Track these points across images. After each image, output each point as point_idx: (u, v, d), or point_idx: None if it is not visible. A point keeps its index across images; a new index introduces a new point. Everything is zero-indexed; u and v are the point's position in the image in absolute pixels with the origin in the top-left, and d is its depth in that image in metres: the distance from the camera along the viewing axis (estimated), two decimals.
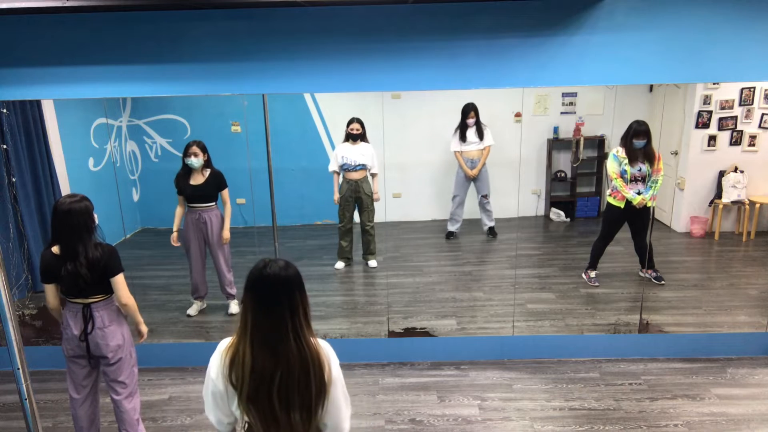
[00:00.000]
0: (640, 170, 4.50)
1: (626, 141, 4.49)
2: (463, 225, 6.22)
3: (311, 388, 1.61)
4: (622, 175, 4.51)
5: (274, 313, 1.57)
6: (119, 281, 2.68)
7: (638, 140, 4.41)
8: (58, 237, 2.61)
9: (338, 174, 5.19)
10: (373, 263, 5.37)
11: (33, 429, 2.29)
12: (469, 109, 5.75)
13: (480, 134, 5.81)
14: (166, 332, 4.20)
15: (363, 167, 5.12)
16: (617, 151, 4.53)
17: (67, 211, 2.57)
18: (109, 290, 2.72)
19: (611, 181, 4.59)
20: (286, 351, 1.58)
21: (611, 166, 4.57)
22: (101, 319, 2.70)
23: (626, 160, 4.48)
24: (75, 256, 2.58)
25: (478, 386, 3.53)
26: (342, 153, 5.13)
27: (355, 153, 5.09)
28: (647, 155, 4.47)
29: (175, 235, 4.28)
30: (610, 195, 4.67)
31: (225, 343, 1.68)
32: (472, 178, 5.89)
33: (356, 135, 5.07)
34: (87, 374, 2.81)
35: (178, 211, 4.30)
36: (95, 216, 2.70)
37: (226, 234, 4.29)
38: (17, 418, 3.34)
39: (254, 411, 1.62)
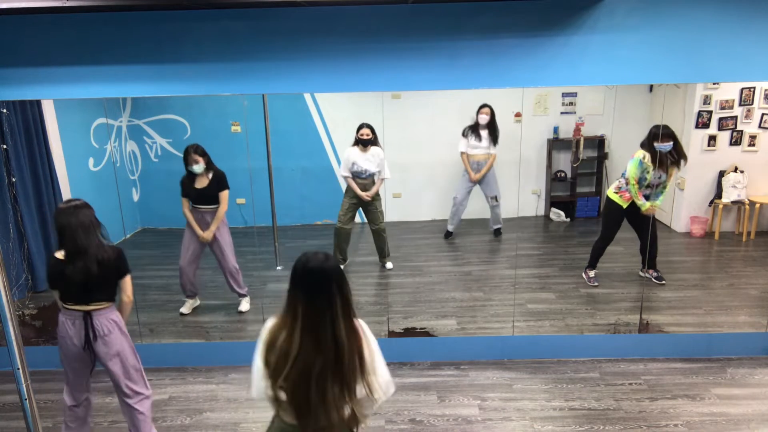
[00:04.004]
0: (660, 177, 4.45)
1: (651, 146, 4.37)
2: (464, 225, 6.22)
3: (357, 366, 1.72)
4: (640, 181, 4.48)
5: (322, 301, 1.68)
6: (129, 281, 2.76)
7: (662, 144, 4.31)
8: (65, 238, 2.58)
9: (351, 178, 5.10)
10: (389, 265, 5.34)
11: (33, 429, 2.29)
12: (484, 105, 5.68)
13: (494, 138, 5.74)
14: (166, 332, 4.20)
15: (373, 175, 5.08)
16: (644, 157, 4.41)
17: (74, 208, 2.58)
18: (112, 297, 2.72)
19: (626, 184, 4.52)
20: (336, 335, 1.68)
21: (632, 171, 4.45)
22: (101, 327, 2.69)
23: (651, 168, 4.39)
24: (84, 254, 2.57)
25: (478, 386, 3.53)
26: (353, 159, 5.05)
27: (365, 161, 5.02)
28: (677, 157, 4.40)
29: (201, 233, 4.26)
30: (616, 193, 4.61)
31: (269, 325, 1.79)
32: (476, 181, 5.86)
33: (366, 140, 5.00)
34: (84, 381, 2.82)
35: (189, 214, 4.27)
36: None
37: (208, 235, 4.24)
38: (17, 418, 3.34)
39: (292, 396, 1.70)
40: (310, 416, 1.70)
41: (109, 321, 2.71)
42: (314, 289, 1.68)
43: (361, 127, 5.03)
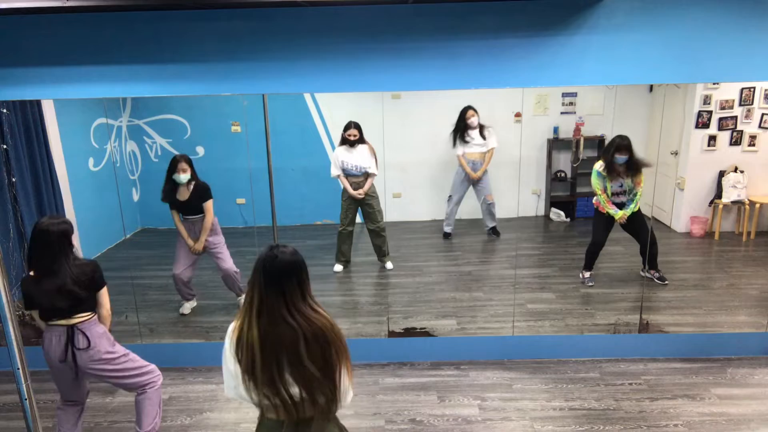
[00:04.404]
0: (621, 186, 4.52)
1: (608, 156, 4.46)
2: (463, 225, 6.21)
3: (326, 357, 1.70)
4: (605, 191, 4.54)
5: (282, 291, 1.70)
6: (105, 293, 2.75)
7: (620, 155, 4.39)
8: (34, 258, 2.59)
9: (343, 177, 5.12)
10: (389, 265, 5.33)
11: (33, 429, 2.29)
12: (468, 108, 5.71)
13: (483, 135, 5.76)
14: (166, 332, 4.20)
15: (366, 171, 5.08)
16: (600, 167, 4.52)
17: (45, 231, 2.57)
18: (93, 307, 2.72)
19: (596, 195, 4.62)
20: (297, 325, 1.68)
21: (594, 182, 4.58)
22: (86, 340, 2.67)
23: (609, 178, 4.49)
24: (55, 276, 2.57)
25: (478, 386, 3.53)
26: (342, 158, 5.06)
27: (354, 158, 5.03)
28: (631, 170, 4.44)
29: (193, 243, 4.28)
30: (594, 202, 4.72)
31: (233, 325, 1.79)
32: (474, 180, 5.86)
33: (353, 141, 5.00)
34: (75, 392, 2.82)
35: (180, 226, 4.30)
36: (73, 240, 2.70)
37: (198, 245, 4.27)
38: (17, 418, 3.34)
39: (266, 388, 1.70)
40: (290, 405, 1.71)
41: (94, 334, 2.70)
42: (280, 277, 1.70)
43: (348, 127, 5.01)
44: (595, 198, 4.69)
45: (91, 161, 5.44)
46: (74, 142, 5.19)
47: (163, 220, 6.21)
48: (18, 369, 2.20)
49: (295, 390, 1.70)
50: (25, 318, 4.31)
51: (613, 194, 4.55)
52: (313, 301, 1.76)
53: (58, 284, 2.58)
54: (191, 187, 4.22)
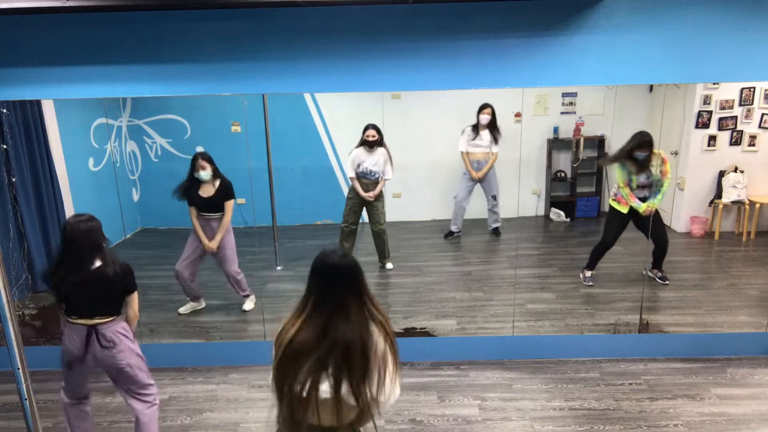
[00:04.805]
0: (648, 178, 4.46)
1: (630, 153, 4.40)
2: (465, 225, 6.22)
3: (369, 362, 1.71)
4: (629, 183, 4.48)
5: (332, 297, 1.73)
6: (135, 297, 2.77)
7: (641, 152, 4.35)
8: (72, 254, 2.57)
9: (356, 179, 5.11)
10: (389, 265, 5.33)
11: (33, 429, 2.29)
12: (486, 106, 5.70)
13: (495, 138, 5.73)
14: (166, 332, 4.20)
15: (378, 176, 5.08)
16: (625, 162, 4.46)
17: (83, 222, 2.57)
18: (117, 311, 2.71)
19: (618, 188, 4.55)
20: (337, 332, 1.69)
21: (619, 175, 4.50)
22: (111, 339, 2.66)
23: (634, 170, 4.43)
24: (87, 274, 2.57)
25: (478, 386, 3.53)
26: (359, 160, 5.06)
27: (372, 160, 5.02)
28: (650, 165, 4.41)
29: (207, 242, 4.26)
30: (613, 199, 4.64)
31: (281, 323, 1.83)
32: (477, 180, 5.87)
33: (372, 142, 5.00)
34: (84, 383, 2.82)
35: (197, 223, 4.27)
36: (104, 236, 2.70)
37: (213, 244, 4.25)
38: (17, 418, 3.34)
39: (283, 385, 1.70)
40: (297, 409, 1.70)
41: (115, 333, 2.68)
42: (327, 284, 1.72)
43: (366, 128, 5.01)
44: (614, 192, 4.64)
45: (91, 161, 5.44)
46: (74, 142, 5.19)
47: (163, 219, 6.23)
48: (18, 369, 2.20)
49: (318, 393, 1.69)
50: (25, 318, 4.31)
51: (638, 187, 4.50)
52: (370, 308, 1.78)
53: (89, 282, 2.57)
54: (217, 183, 4.21)
